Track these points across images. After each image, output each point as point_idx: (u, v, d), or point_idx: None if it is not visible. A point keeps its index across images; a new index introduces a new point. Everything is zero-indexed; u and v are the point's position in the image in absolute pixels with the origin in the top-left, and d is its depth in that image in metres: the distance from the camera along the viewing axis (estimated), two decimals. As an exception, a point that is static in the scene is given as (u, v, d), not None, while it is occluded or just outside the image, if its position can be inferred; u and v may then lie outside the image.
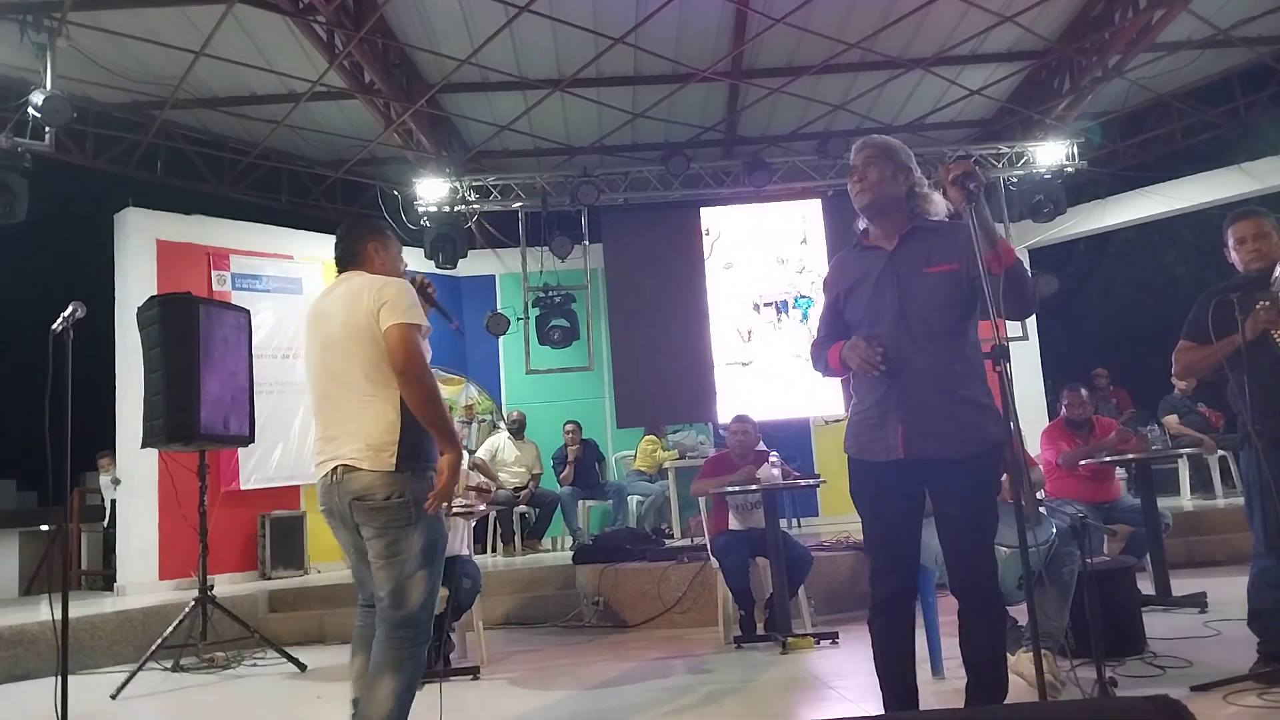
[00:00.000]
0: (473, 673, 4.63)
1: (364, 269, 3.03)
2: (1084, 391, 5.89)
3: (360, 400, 2.84)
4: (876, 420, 2.67)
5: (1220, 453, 7.88)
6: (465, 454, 6.77)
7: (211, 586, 5.40)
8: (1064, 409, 5.85)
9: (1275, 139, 9.83)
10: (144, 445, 5.44)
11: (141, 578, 7.32)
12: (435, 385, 2.85)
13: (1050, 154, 8.94)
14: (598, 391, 9.76)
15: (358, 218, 3.38)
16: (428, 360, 2.86)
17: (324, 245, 8.92)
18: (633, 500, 8.77)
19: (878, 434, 2.66)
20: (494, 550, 8.25)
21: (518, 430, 8.65)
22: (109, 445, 8.06)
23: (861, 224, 2.84)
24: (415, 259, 9.21)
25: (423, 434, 2.84)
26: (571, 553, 7.03)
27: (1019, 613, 3.77)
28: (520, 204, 9.02)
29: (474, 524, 5.43)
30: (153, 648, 5.01)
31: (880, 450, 2.65)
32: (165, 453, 6.82)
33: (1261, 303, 3.26)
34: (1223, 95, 9.40)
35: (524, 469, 8.63)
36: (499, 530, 8.39)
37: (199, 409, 5.13)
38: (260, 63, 7.55)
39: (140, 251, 7.80)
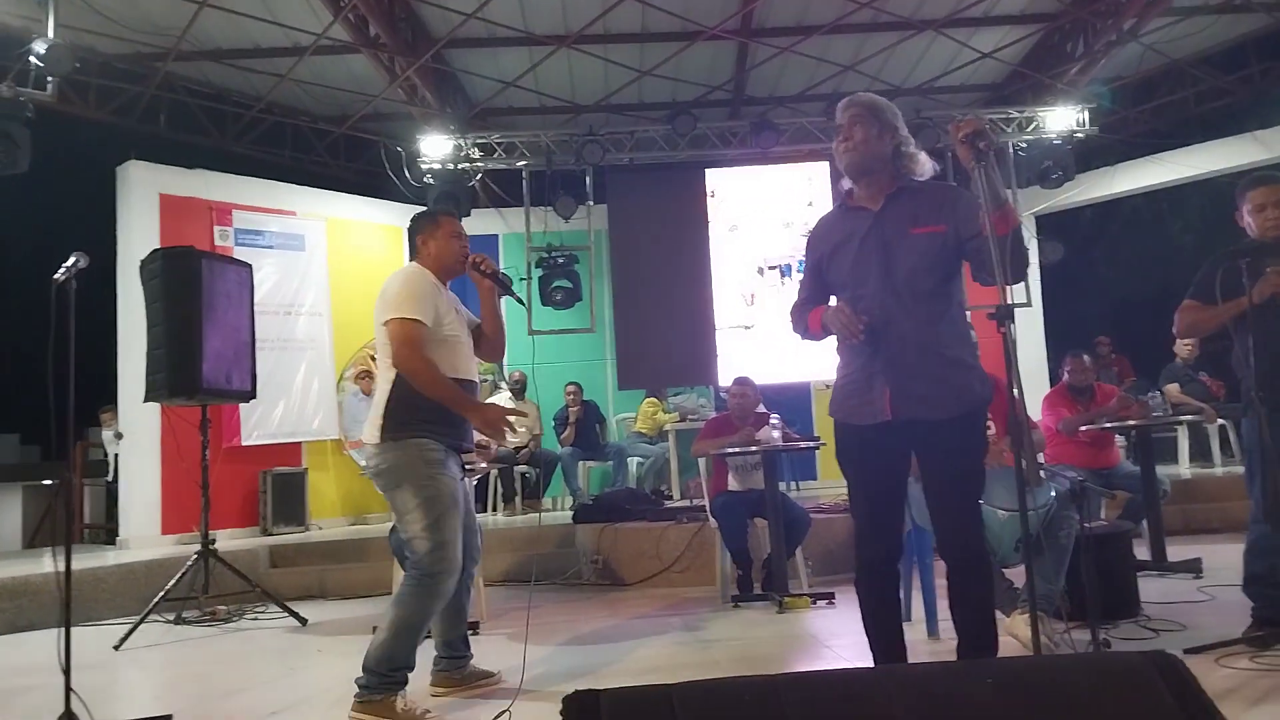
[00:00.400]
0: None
1: (419, 262, 3.43)
2: (1086, 358, 5.88)
3: (378, 381, 3.36)
4: (863, 384, 2.65)
5: (1220, 422, 7.88)
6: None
7: (213, 541, 5.43)
8: (1066, 375, 5.84)
9: (1289, 107, 9.71)
10: (146, 399, 5.45)
11: (144, 532, 7.38)
12: (429, 370, 3.17)
13: (1061, 119, 8.84)
14: (599, 353, 9.75)
15: (418, 214, 3.60)
16: (447, 338, 3.27)
17: (327, 201, 8.87)
18: (633, 461, 8.80)
19: (865, 397, 2.64)
20: (494, 509, 8.30)
21: (519, 391, 8.66)
22: (111, 400, 8.08)
23: (846, 184, 2.80)
24: (418, 217, 9.17)
25: (411, 408, 3.18)
26: (571, 512, 7.06)
27: (1016, 575, 3.80)
28: (524, 163, 8.95)
29: (474, 482, 5.45)
30: (155, 600, 5.05)
31: (867, 413, 2.64)
32: (167, 407, 6.84)
33: (1273, 268, 3.23)
34: (1238, 61, 9.28)
35: (525, 429, 8.64)
36: (500, 489, 8.43)
37: (201, 363, 5.13)
38: (264, 14, 7.47)
39: (143, 205, 7.77)
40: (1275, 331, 3.29)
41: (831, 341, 2.76)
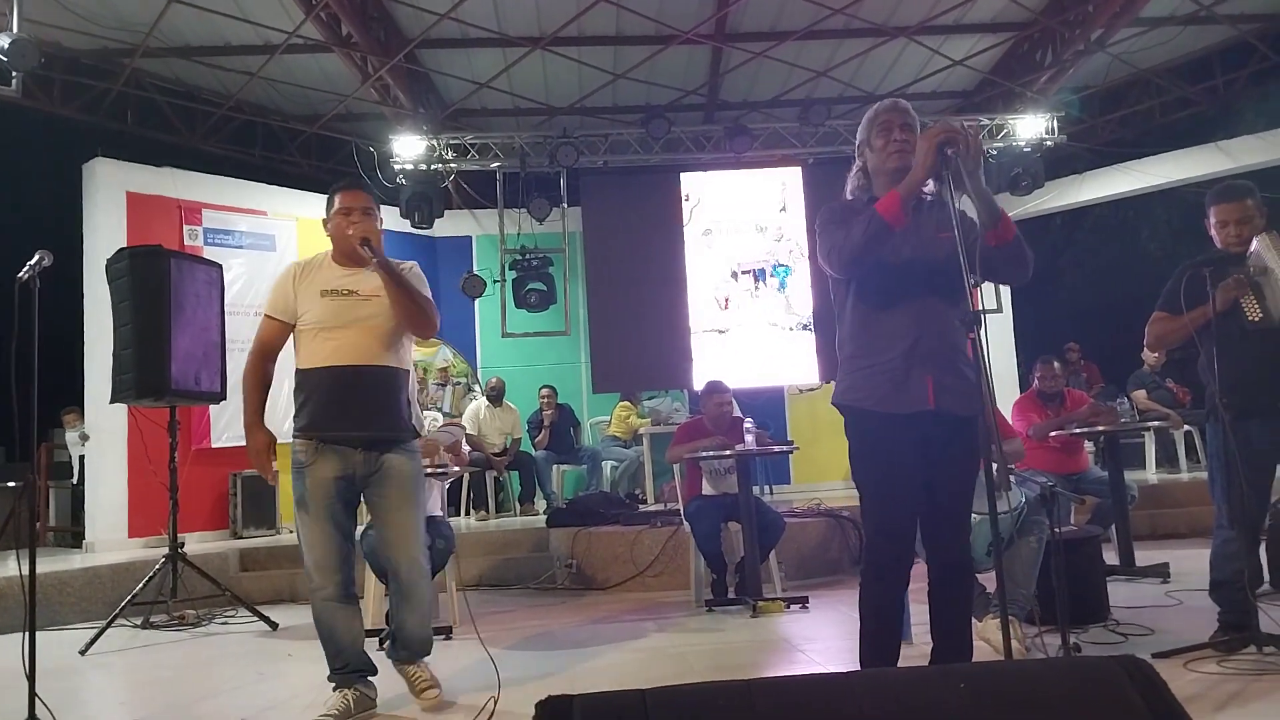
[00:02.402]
0: (445, 633, 4.64)
1: None
2: (1056, 364, 5.95)
3: None
4: (900, 372, 2.59)
5: (1186, 428, 8.00)
6: (439, 421, 6.67)
7: (182, 544, 5.36)
8: (1036, 381, 5.90)
9: (1253, 117, 9.90)
10: (113, 400, 5.37)
11: (110, 535, 7.26)
12: (245, 370, 3.24)
13: (1030, 127, 8.95)
14: (574, 356, 9.73)
15: None
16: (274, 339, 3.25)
17: (298, 201, 8.77)
18: (607, 465, 8.79)
19: (902, 384, 2.59)
20: (467, 513, 8.25)
21: (495, 398, 8.61)
22: (76, 401, 7.95)
23: (850, 192, 2.79)
24: (391, 218, 9.09)
25: (296, 405, 3.18)
26: (545, 516, 7.04)
27: (987, 580, 3.83)
28: (498, 164, 8.92)
29: (446, 485, 5.42)
30: (123, 604, 4.98)
31: (904, 402, 2.58)
32: (135, 409, 6.74)
33: (1234, 275, 3.29)
34: (1203, 72, 9.44)
35: (505, 435, 8.61)
36: (471, 495, 8.36)
37: (170, 364, 5.06)
38: (235, 12, 7.39)
39: (109, 203, 7.64)
40: (1238, 339, 3.35)
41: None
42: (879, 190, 2.71)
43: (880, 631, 2.64)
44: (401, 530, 3.19)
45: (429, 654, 3.44)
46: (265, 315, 3.24)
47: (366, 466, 3.14)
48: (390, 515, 3.19)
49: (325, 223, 3.31)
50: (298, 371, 3.22)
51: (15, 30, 6.19)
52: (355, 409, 3.10)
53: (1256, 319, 3.30)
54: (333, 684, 3.21)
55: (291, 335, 3.26)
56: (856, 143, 2.82)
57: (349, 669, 3.21)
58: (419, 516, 3.26)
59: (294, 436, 3.17)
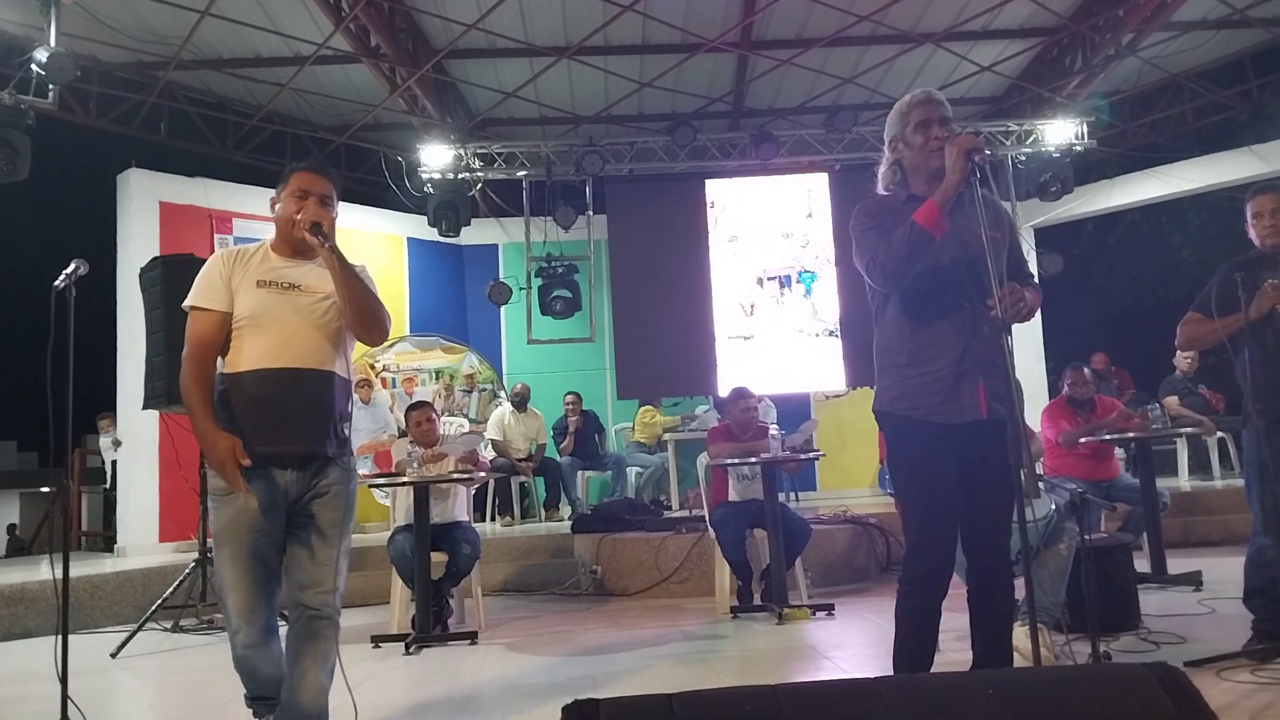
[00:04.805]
0: (470, 638, 4.66)
1: None
2: (1087, 371, 5.88)
3: None
4: (951, 381, 2.55)
5: (1219, 434, 7.88)
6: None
7: (211, 549, 5.40)
8: (1066, 387, 5.83)
9: (1287, 121, 9.75)
10: (145, 407, 5.43)
11: (141, 540, 7.36)
12: (182, 374, 2.65)
13: (1059, 132, 8.87)
14: (599, 363, 9.75)
15: None
16: (206, 338, 2.66)
17: (327, 211, 8.88)
18: (631, 472, 8.79)
19: (953, 393, 2.54)
20: (492, 519, 8.27)
21: (520, 404, 8.63)
22: (110, 407, 8.07)
23: (883, 189, 2.74)
24: (419, 226, 9.18)
25: (222, 416, 2.64)
26: (570, 522, 7.04)
27: (1017, 587, 3.79)
28: (524, 173, 8.97)
29: (473, 490, 5.44)
30: (153, 608, 5.04)
31: (956, 411, 2.54)
32: (166, 415, 6.82)
33: (1270, 281, 3.24)
34: (1236, 76, 9.32)
35: (530, 440, 8.62)
36: (496, 501, 8.37)
37: (200, 371, 5.10)
38: (265, 24, 7.49)
39: (143, 213, 7.77)
40: (1272, 346, 3.29)
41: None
42: (917, 187, 2.66)
43: (918, 641, 2.60)
44: (325, 558, 2.68)
45: None
46: (191, 308, 2.69)
47: (299, 486, 2.65)
48: (315, 540, 2.67)
49: (273, 203, 2.78)
50: (221, 376, 2.68)
51: (52, 44, 6.32)
52: (291, 419, 2.61)
53: (1293, 324, 3.25)
54: (250, 709, 2.88)
55: None
56: (888, 137, 2.74)
57: (268, 699, 2.81)
58: (346, 549, 2.76)
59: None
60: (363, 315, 2.70)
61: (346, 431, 2.79)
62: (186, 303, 2.70)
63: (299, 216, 2.66)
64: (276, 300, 2.67)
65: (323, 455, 2.67)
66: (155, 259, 5.51)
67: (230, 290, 2.68)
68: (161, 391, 5.19)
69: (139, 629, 4.89)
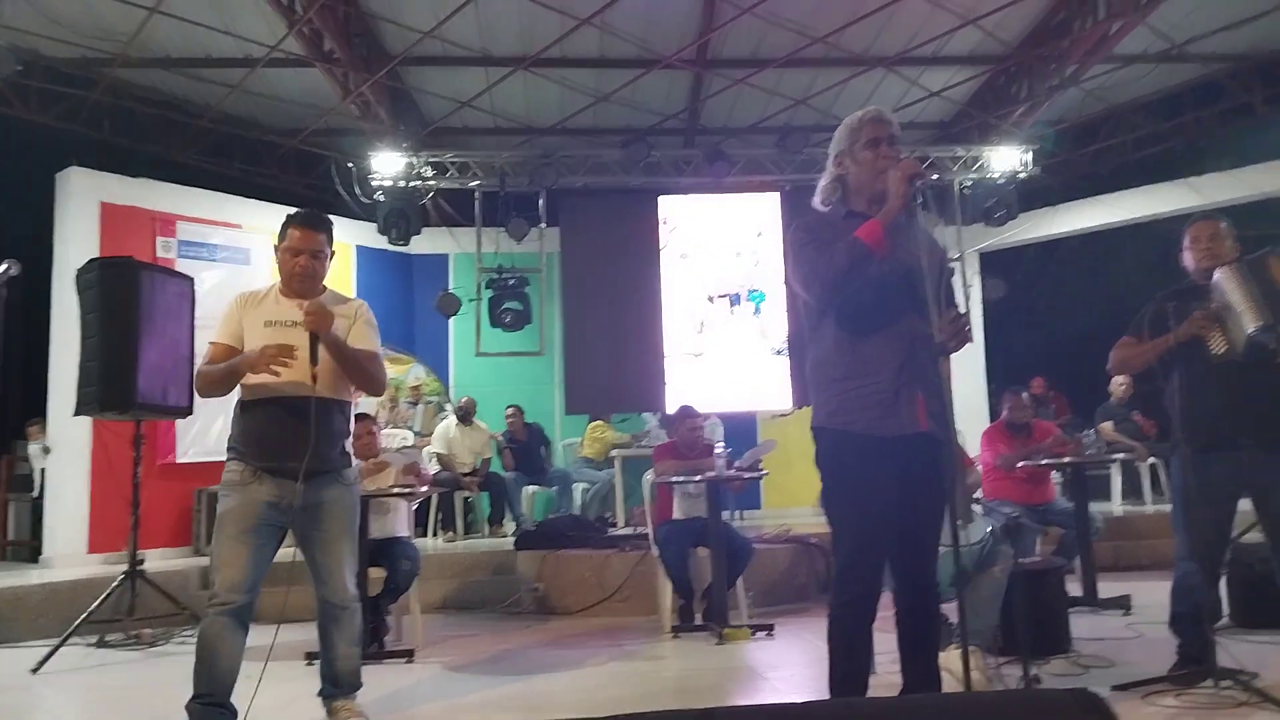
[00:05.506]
0: (407, 656, 4.59)
1: None
2: (1025, 396, 5.99)
3: None
4: (890, 391, 2.53)
5: (1151, 460, 8.07)
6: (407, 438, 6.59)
7: (142, 561, 5.27)
8: (1005, 412, 5.94)
9: (1221, 155, 10.07)
10: (77, 413, 5.30)
11: (69, 550, 7.13)
12: (199, 377, 3.24)
13: (1005, 159, 9.06)
14: (548, 377, 9.71)
15: None
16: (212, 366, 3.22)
17: (275, 215, 8.64)
18: (578, 488, 8.74)
19: (891, 405, 2.53)
20: (435, 534, 8.17)
21: (466, 417, 8.54)
22: (40, 413, 7.82)
23: (820, 203, 2.75)
24: (368, 234, 9.07)
25: (233, 432, 3.23)
26: (513, 539, 6.98)
27: (951, 610, 3.84)
28: (477, 183, 8.92)
29: (415, 506, 5.37)
30: (77, 621, 4.89)
31: (895, 423, 2.52)
32: (100, 422, 6.65)
33: (1199, 310, 3.34)
34: (1174, 109, 9.59)
35: (475, 454, 8.53)
36: (440, 516, 8.28)
37: (136, 377, 5.00)
38: (217, 24, 7.37)
39: (82, 213, 7.56)
40: (1200, 374, 3.39)
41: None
42: (857, 204, 2.68)
43: (851, 665, 2.58)
44: (338, 561, 3.21)
45: (360, 687, 3.39)
46: (213, 342, 3.25)
47: (304, 498, 3.08)
48: (329, 547, 3.20)
49: (276, 249, 3.30)
50: (239, 403, 3.25)
51: (-9, 37, 6.16)
52: (296, 441, 3.05)
53: (1220, 352, 3.35)
54: (188, 713, 3.02)
55: None
56: (834, 152, 2.75)
57: (213, 701, 3.01)
58: (354, 547, 3.30)
59: (229, 459, 3.18)
60: (359, 382, 3.30)
61: (347, 449, 3.29)
62: (212, 339, 3.27)
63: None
64: (282, 337, 3.11)
65: (323, 471, 3.14)
66: (92, 261, 5.39)
67: (241, 328, 3.21)
68: (94, 397, 5.06)
69: (62, 643, 4.72)
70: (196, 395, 3.35)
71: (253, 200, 8.75)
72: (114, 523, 6.74)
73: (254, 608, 3.07)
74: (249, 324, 3.20)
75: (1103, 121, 9.95)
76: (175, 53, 7.92)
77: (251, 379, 3.12)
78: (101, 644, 5.08)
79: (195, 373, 3.24)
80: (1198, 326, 3.34)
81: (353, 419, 3.44)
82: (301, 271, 3.21)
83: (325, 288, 3.35)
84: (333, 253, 3.33)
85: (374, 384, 3.34)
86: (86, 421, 6.75)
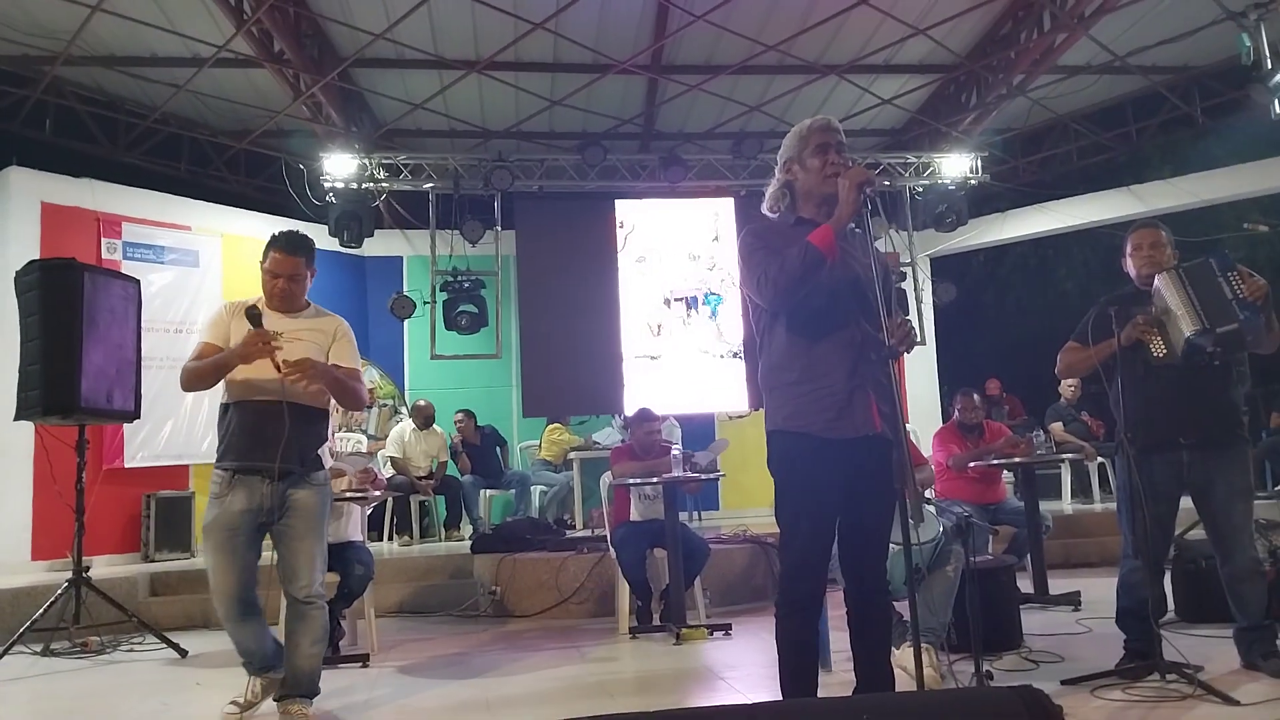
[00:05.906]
0: (362, 660, 4.54)
1: None
2: (976, 397, 6.10)
3: None
4: (844, 394, 2.56)
5: (1099, 459, 8.27)
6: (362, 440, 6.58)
7: (88, 568, 5.15)
8: (957, 412, 6.04)
9: (1162, 163, 10.36)
10: (17, 418, 5.16)
11: (12, 557, 6.92)
12: (185, 373, 3.34)
13: (955, 166, 9.23)
14: (505, 380, 9.66)
15: None
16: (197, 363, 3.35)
17: (224, 217, 8.58)
18: (536, 490, 8.71)
19: (845, 408, 2.56)
20: (390, 539, 8.09)
21: (425, 421, 8.43)
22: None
23: (768, 209, 2.80)
24: (319, 236, 8.93)
25: (220, 437, 3.40)
26: (470, 542, 6.94)
27: (904, 608, 3.90)
28: (431, 185, 8.86)
29: (369, 510, 5.31)
30: (20, 630, 4.76)
31: (849, 425, 2.55)
32: (42, 426, 6.47)
33: (1141, 315, 3.44)
34: (1117, 119, 9.84)
35: (431, 458, 8.45)
36: (395, 520, 8.19)
37: (79, 381, 4.89)
38: (162, 23, 7.23)
39: (23, 214, 7.36)
40: (1141, 377, 3.49)
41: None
42: (806, 210, 2.72)
43: (801, 664, 2.61)
44: (304, 558, 3.35)
45: (317, 694, 3.45)
46: (202, 341, 3.39)
47: (274, 499, 3.28)
48: (294, 544, 3.34)
49: (261, 265, 3.46)
50: (222, 405, 3.42)
51: (-73, 32, 5.98)
52: (270, 442, 3.22)
53: (1161, 355, 3.44)
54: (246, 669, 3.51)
55: None
56: (783, 159, 2.79)
57: (254, 664, 3.49)
58: (321, 546, 3.42)
59: (215, 467, 3.38)
60: (340, 398, 3.47)
61: (320, 453, 3.46)
62: (200, 338, 3.42)
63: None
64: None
65: (293, 472, 3.31)
66: (32, 263, 5.26)
67: (229, 332, 3.35)
68: (36, 402, 4.94)
69: (5, 652, 4.61)
70: (181, 389, 3.40)
71: (202, 202, 8.59)
72: (58, 529, 6.55)
73: (253, 598, 3.37)
74: (235, 331, 3.34)
75: (1049, 130, 10.18)
76: (119, 51, 7.76)
77: (230, 386, 3.32)
78: (46, 652, 4.96)
79: (182, 369, 3.33)
80: (1139, 331, 3.43)
81: (328, 425, 3.61)
82: (280, 294, 3.41)
83: (308, 303, 3.55)
84: (313, 272, 3.51)
85: (356, 399, 3.50)
86: (28, 426, 6.56)
